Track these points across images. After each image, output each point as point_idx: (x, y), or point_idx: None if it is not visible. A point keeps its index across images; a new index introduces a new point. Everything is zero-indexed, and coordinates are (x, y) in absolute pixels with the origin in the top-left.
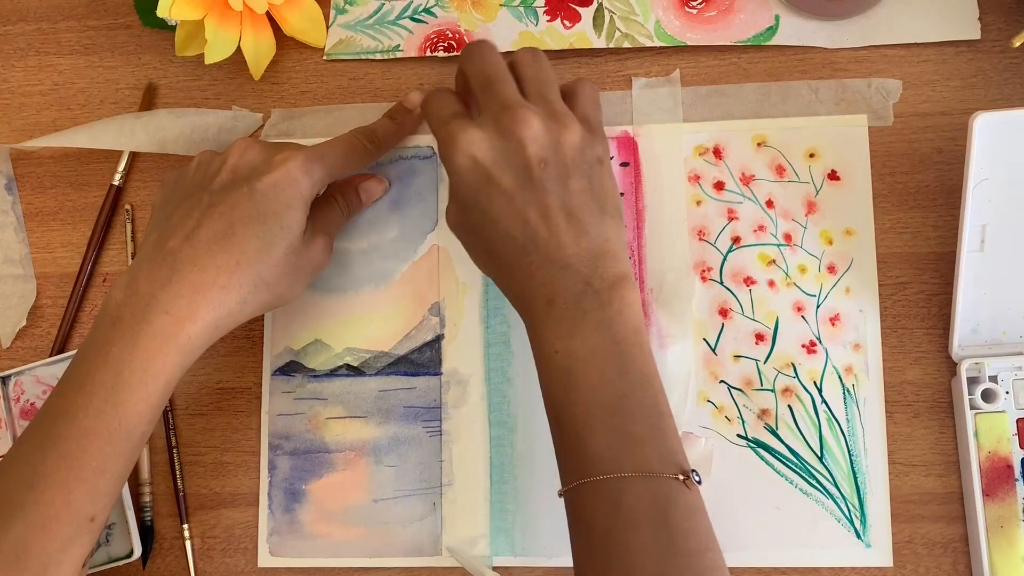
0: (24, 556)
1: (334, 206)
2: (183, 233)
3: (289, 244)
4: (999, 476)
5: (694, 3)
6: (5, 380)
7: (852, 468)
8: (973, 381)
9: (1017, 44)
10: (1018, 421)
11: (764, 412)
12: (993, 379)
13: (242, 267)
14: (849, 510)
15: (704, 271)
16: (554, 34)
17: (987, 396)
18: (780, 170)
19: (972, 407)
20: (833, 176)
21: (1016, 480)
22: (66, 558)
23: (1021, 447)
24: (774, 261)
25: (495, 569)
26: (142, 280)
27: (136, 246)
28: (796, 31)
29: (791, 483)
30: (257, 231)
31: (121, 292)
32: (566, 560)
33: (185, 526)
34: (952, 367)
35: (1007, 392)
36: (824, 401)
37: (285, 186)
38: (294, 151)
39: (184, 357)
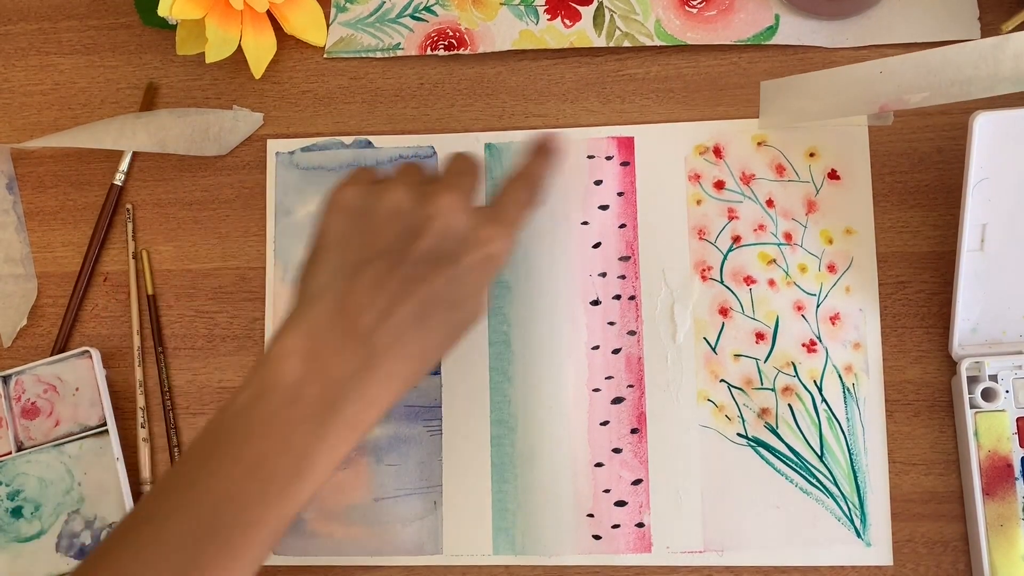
0: None
1: None
2: (376, 310)
3: (470, 330)
4: (999, 475)
5: (694, 2)
6: (6, 379)
7: (852, 467)
8: (973, 380)
9: (1007, 31)
10: (1018, 420)
11: (764, 411)
12: (993, 378)
13: (427, 358)
14: (849, 509)
15: (704, 270)
16: (554, 33)
17: (987, 395)
18: (780, 169)
19: (972, 406)
20: (833, 175)
21: (1016, 479)
22: None
23: (1021, 446)
24: (774, 260)
25: (495, 568)
26: (331, 359)
27: (137, 246)
28: (796, 31)
29: (791, 482)
30: (450, 319)
31: (300, 364)
32: (566, 560)
33: None
34: (952, 366)
35: (1007, 391)
36: (824, 400)
37: (488, 269)
38: (499, 228)
39: (359, 442)
